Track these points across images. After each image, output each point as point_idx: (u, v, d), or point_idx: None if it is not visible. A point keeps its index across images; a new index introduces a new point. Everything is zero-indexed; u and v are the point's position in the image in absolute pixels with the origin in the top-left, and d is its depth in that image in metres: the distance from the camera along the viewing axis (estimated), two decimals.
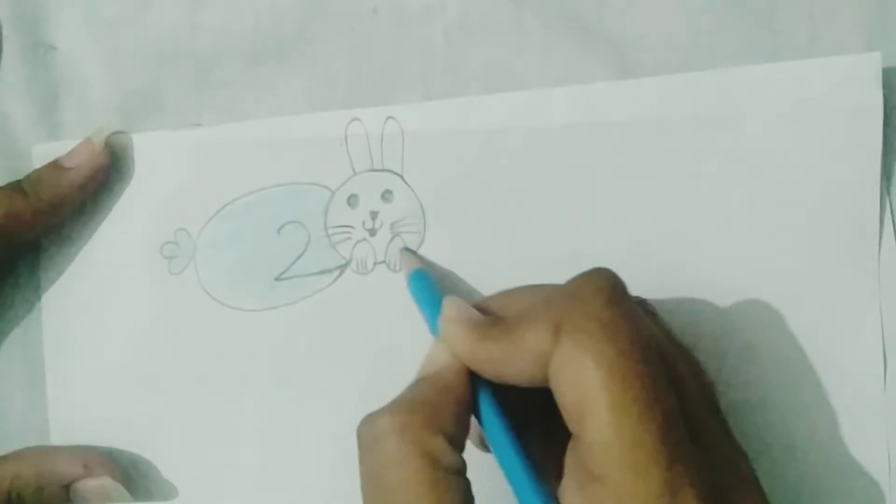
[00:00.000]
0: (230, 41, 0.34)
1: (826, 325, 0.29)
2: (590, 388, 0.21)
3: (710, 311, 0.30)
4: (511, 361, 0.23)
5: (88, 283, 0.34)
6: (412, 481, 0.22)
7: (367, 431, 0.24)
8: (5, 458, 0.32)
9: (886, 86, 0.28)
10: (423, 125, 0.32)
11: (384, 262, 0.32)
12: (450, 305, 0.26)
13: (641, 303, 0.27)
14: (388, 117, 0.32)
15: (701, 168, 0.30)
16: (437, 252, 0.32)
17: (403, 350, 0.29)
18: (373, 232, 0.32)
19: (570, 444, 0.22)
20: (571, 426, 0.22)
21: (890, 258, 0.29)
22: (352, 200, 0.32)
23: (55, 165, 0.33)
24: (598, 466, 0.21)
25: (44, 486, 0.31)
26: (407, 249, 0.32)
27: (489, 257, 0.31)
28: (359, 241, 0.32)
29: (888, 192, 0.29)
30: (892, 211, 0.29)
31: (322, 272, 0.32)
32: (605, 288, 0.23)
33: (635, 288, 0.29)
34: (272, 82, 0.33)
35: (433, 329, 0.27)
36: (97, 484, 0.31)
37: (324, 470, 0.32)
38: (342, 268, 0.32)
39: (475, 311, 0.26)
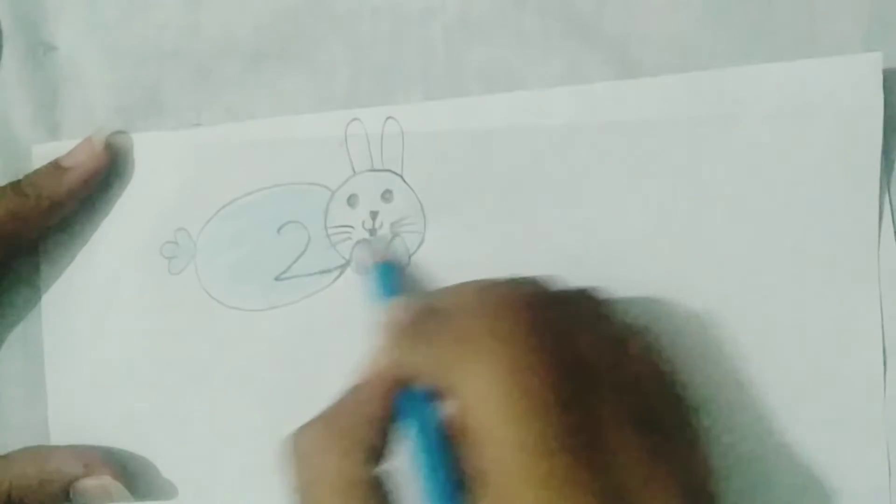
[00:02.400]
0: (230, 41, 0.34)
1: (826, 325, 0.29)
2: (479, 402, 0.22)
3: (709, 311, 0.30)
4: (424, 372, 0.24)
5: (88, 283, 0.34)
6: (328, 498, 0.23)
7: (288, 452, 0.24)
8: (5, 457, 0.32)
9: (886, 86, 0.28)
10: (422, 125, 0.32)
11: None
12: (388, 311, 0.26)
13: (579, 296, 0.26)
14: (388, 117, 0.32)
15: (700, 168, 0.30)
16: (437, 252, 0.32)
17: None
18: (373, 232, 0.32)
19: None
20: (469, 437, 0.22)
21: (890, 258, 0.29)
22: (352, 200, 0.32)
23: (55, 165, 0.33)
24: (491, 475, 0.22)
25: (44, 486, 0.31)
26: (363, 241, 0.32)
27: (489, 257, 0.31)
28: (359, 241, 0.32)
29: (888, 193, 0.29)
30: (891, 211, 0.29)
31: (322, 272, 0.32)
32: (501, 302, 0.24)
33: (635, 287, 0.29)
34: (272, 82, 0.33)
35: None
36: (97, 483, 0.31)
37: None
38: (342, 268, 0.32)
39: (409, 316, 0.26)
